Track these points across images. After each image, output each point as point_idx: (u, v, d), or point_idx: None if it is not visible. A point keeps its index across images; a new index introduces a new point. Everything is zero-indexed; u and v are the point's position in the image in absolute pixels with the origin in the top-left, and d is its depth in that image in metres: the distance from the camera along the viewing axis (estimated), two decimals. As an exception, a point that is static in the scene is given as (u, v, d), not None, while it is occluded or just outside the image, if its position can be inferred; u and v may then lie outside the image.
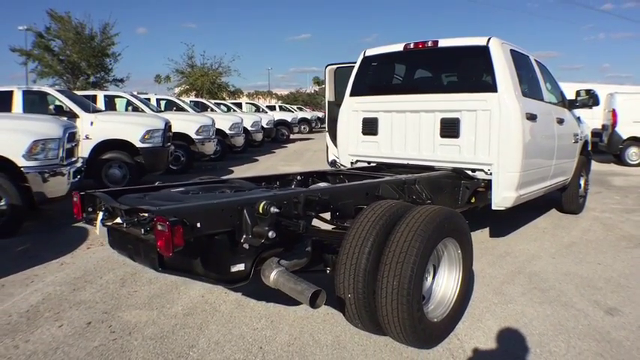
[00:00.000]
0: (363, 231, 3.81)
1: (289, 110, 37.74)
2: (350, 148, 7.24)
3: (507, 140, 5.83)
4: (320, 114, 45.87)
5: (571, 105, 8.24)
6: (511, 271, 6.03)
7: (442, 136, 6.30)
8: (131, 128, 11.49)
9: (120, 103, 16.36)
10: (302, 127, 36.34)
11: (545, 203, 9.35)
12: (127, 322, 4.54)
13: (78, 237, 7.26)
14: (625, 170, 17.13)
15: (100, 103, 14.74)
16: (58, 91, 12.38)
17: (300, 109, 43.30)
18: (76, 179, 8.19)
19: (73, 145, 8.43)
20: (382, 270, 3.68)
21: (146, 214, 3.36)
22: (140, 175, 11.55)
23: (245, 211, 3.65)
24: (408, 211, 4.02)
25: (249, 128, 21.54)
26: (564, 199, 9.02)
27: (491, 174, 6.03)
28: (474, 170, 6.17)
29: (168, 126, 12.22)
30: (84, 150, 10.46)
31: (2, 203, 7.08)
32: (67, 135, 7.93)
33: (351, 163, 7.27)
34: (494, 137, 5.89)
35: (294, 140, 29.90)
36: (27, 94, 11.97)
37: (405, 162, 6.65)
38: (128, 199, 3.98)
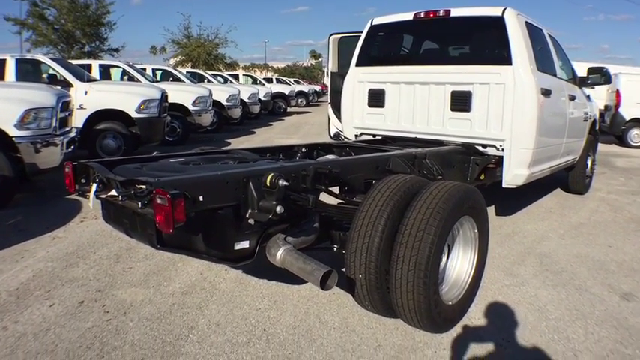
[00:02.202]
0: (377, 207, 3.57)
1: (286, 83, 37.31)
2: (355, 120, 6.96)
3: (521, 116, 5.57)
4: (317, 87, 45.48)
5: (582, 82, 7.97)
6: (520, 251, 5.82)
7: (452, 109, 6.03)
8: (127, 98, 11.16)
9: (115, 73, 16.01)
10: (299, 100, 35.88)
11: (550, 182, 9.12)
12: (121, 301, 4.31)
13: (71, 210, 7.01)
14: (627, 152, 16.84)
15: (95, 73, 14.39)
16: (52, 59, 12.04)
17: (297, 82, 42.79)
18: (70, 150, 7.92)
19: (67, 114, 8.15)
20: (397, 249, 3.45)
21: (144, 186, 3.10)
22: (135, 146, 11.27)
23: (251, 183, 3.40)
24: (425, 186, 3.77)
25: (247, 100, 21.15)
26: (571, 178, 8.79)
27: (503, 150, 5.78)
28: (484, 146, 5.92)
29: (164, 96, 11.90)
30: (78, 120, 10.22)
31: (-7, 175, 6.79)
32: (60, 104, 7.64)
33: (356, 136, 6.99)
34: (507, 112, 5.63)
35: (291, 113, 29.57)
36: (20, 63, 11.65)
37: (413, 136, 6.38)
38: (124, 169, 3.72)
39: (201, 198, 3.13)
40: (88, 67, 14.28)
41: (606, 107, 19.04)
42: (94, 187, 3.54)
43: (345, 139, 7.01)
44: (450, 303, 3.87)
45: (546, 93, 5.82)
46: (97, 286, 4.59)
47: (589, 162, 9.01)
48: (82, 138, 9.84)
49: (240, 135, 17.26)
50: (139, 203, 3.09)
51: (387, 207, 3.55)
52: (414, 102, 6.36)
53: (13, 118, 6.88)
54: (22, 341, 3.64)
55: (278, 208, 3.31)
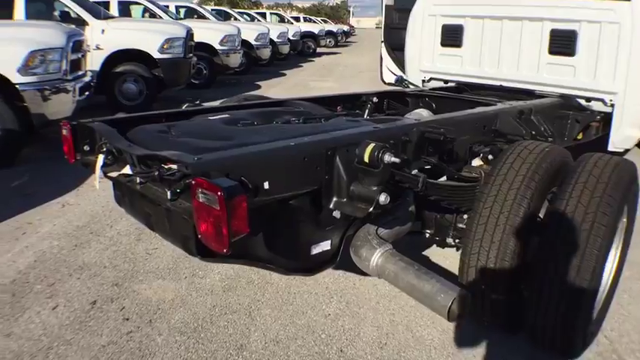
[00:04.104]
0: (511, 191, 2.48)
1: (315, 22, 35.67)
2: (423, 62, 5.76)
3: None
4: (345, 27, 43.77)
5: None
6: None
7: (551, 52, 4.83)
8: (148, 36, 9.99)
9: (135, 11, 14.81)
10: (328, 40, 34.27)
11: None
12: (145, 302, 3.30)
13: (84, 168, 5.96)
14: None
15: (114, 10, 13.22)
16: (65, -5, 10.86)
17: (325, 22, 41.01)
18: (84, 96, 6.92)
19: (80, 55, 7.10)
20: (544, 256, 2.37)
21: (174, 167, 2.02)
22: (158, 90, 10.22)
23: (338, 158, 2.31)
24: (572, 162, 2.66)
25: (275, 40, 19.79)
26: None
27: (612, 106, 4.60)
28: (588, 99, 4.74)
29: (190, 34, 10.72)
30: (94, 62, 9.14)
31: (-5, 128, 5.82)
32: (71, 44, 6.59)
33: (423, 81, 5.82)
34: (622, 59, 4.43)
35: (320, 54, 28.01)
36: (30, 1, 10.48)
37: (497, 83, 5.19)
38: (143, 133, 2.64)
39: (266, 185, 2.06)
40: (106, 5, 13.11)
41: None
42: (100, 159, 2.48)
43: (410, 85, 5.83)
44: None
45: None
46: (114, 278, 3.59)
47: None
48: (99, 82, 8.83)
49: (271, 77, 16.01)
50: (168, 192, 2.02)
51: (527, 191, 2.46)
52: (500, 41, 5.14)
53: (16, 61, 5.86)
54: (12, 369, 2.66)
55: (382, 197, 2.21)
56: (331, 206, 2.36)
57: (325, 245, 2.45)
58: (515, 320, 2.66)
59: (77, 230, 4.35)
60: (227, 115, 3.04)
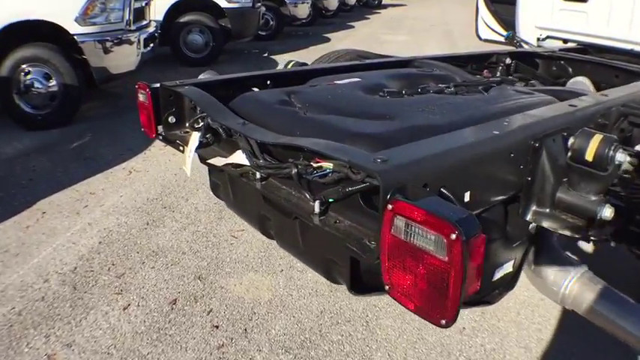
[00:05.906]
0: None
1: (379, -28, 34.34)
2: (539, 18, 4.88)
3: None
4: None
5: None
6: None
7: None
8: (215, -17, 9.28)
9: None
10: (392, -8, 32.98)
11: None
12: (236, 303, 2.65)
13: (152, 128, 5.34)
14: None
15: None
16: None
17: (388, -28, 39.47)
18: (149, 48, 6.27)
19: (143, 4, 6.44)
20: None
21: (328, 165, 1.30)
22: (225, 41, 9.52)
23: (545, 152, 1.55)
24: None
25: (342, -10, 18.84)
26: None
27: None
28: None
29: (258, -18, 9.96)
30: (157, 12, 8.41)
31: (52, 83, 5.25)
32: (134, -9, 5.92)
33: (538, 39, 4.95)
34: None
35: (385, 6, 26.80)
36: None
37: (628, 47, 4.30)
38: (257, 105, 1.88)
39: (467, 196, 1.33)
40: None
41: None
42: (194, 137, 1.77)
43: (523, 44, 4.99)
44: None
45: None
46: (196, 268, 2.94)
47: None
48: (163, 33, 8.21)
49: (338, 29, 15.07)
50: (315, 203, 1.31)
51: None
52: None
53: (74, 9, 5.26)
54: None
55: (607, 212, 1.47)
56: (528, 217, 1.61)
57: (508, 267, 1.71)
58: None
59: (147, 204, 3.72)
60: (358, 80, 2.26)
